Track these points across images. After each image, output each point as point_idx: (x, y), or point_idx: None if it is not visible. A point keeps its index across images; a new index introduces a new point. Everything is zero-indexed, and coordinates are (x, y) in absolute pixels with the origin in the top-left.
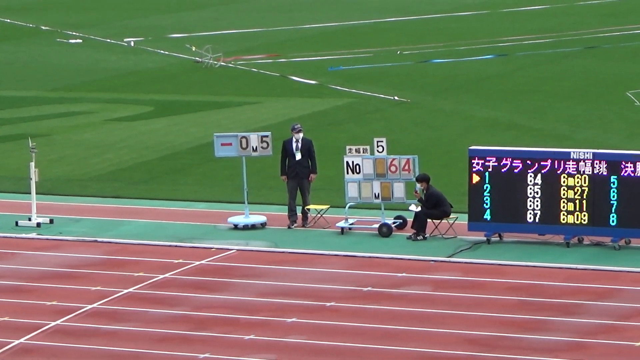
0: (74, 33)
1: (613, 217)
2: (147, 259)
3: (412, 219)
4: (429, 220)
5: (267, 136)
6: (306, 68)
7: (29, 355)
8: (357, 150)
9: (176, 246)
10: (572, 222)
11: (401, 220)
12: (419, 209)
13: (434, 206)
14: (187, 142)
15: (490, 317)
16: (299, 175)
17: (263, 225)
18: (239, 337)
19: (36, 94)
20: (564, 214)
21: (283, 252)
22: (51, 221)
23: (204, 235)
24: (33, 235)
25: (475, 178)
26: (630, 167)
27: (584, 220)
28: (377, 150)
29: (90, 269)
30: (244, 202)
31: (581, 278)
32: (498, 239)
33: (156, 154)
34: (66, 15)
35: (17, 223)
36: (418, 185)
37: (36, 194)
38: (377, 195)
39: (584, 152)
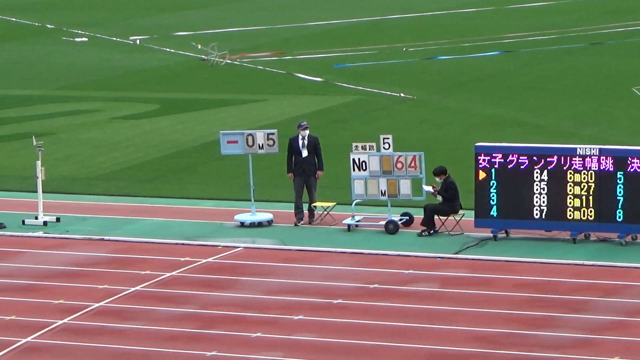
0: (79, 32)
1: (619, 213)
2: (153, 257)
3: (419, 216)
4: (435, 217)
5: (273, 134)
6: (312, 65)
7: (36, 354)
8: (364, 148)
9: (183, 244)
10: (579, 218)
11: (408, 217)
12: (430, 188)
13: (454, 196)
14: (193, 140)
15: (498, 313)
16: (305, 172)
17: (269, 222)
18: (246, 335)
19: (42, 93)
20: (570, 210)
21: (290, 249)
22: (58, 220)
23: (211, 233)
24: (40, 233)
25: (482, 175)
26: (637, 162)
27: (591, 217)
28: (384, 148)
29: (97, 267)
30: (250, 200)
31: (588, 274)
32: (505, 235)
33: (162, 152)
34: (72, 14)
35: (23, 222)
36: (437, 179)
37: (43, 192)
38: (383, 192)
39: (590, 148)
